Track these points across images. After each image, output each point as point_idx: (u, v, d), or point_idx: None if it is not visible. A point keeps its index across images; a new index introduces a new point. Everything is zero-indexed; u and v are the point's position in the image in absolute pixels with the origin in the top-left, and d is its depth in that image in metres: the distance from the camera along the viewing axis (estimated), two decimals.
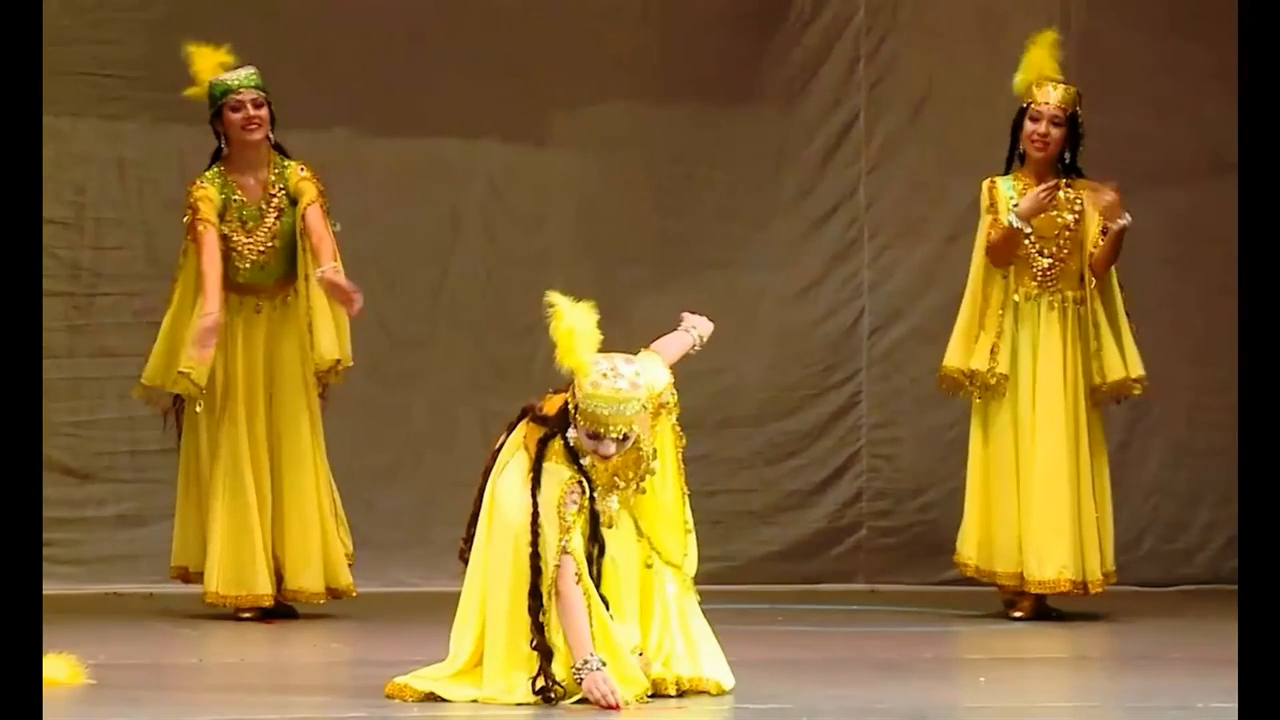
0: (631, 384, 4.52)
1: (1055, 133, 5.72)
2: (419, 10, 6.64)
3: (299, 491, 5.92)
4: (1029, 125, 5.75)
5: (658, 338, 4.94)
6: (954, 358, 5.84)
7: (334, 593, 5.97)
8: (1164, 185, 6.57)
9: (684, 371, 4.94)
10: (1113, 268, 5.79)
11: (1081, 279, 5.78)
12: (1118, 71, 6.63)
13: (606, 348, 4.60)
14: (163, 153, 6.56)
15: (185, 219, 5.83)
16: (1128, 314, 5.82)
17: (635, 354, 4.75)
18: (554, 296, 4.56)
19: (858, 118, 6.72)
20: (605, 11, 6.50)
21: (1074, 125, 5.75)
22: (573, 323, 4.54)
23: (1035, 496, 5.75)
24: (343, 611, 6.08)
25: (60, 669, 4.74)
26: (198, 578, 5.95)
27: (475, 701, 4.60)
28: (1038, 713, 4.52)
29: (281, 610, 5.93)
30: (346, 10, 6.59)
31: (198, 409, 5.86)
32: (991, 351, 5.77)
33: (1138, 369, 5.78)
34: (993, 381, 5.78)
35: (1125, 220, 5.63)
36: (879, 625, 6.09)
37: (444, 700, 4.60)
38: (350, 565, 5.99)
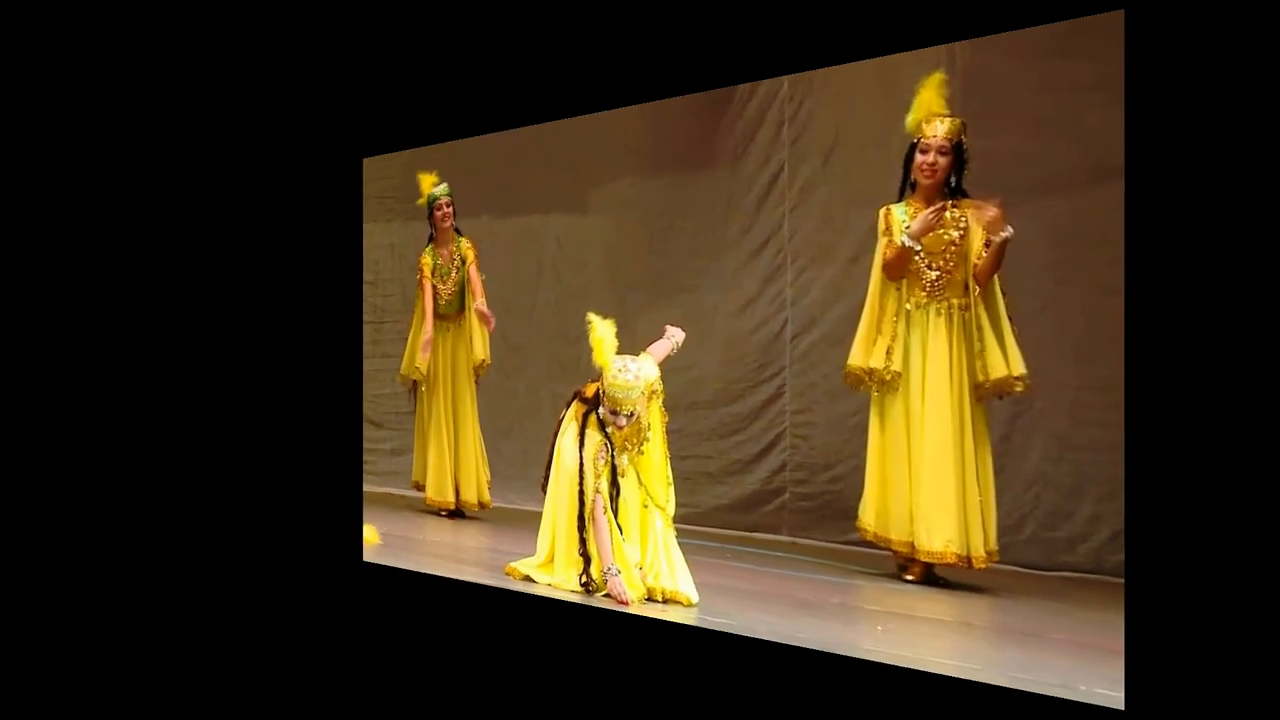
0: (637, 376, 5.05)
1: (942, 161, 5.56)
2: (520, 144, 7.06)
3: (467, 439, 7.10)
4: (919, 157, 5.58)
5: (651, 343, 5.58)
6: (856, 357, 5.77)
7: (481, 505, 7.10)
8: (1047, 195, 5.67)
9: (666, 367, 5.49)
10: (995, 275, 5.52)
11: (966, 288, 5.60)
12: (1000, 97, 5.75)
13: (621, 350, 5.30)
14: (410, 239, 7.75)
15: (417, 277, 7.32)
16: (1010, 317, 5.56)
17: (638, 355, 5.33)
18: (590, 316, 5.27)
19: (783, 168, 6.56)
20: (618, 116, 6.37)
21: (959, 152, 5.56)
22: (601, 333, 5.12)
23: (924, 479, 5.60)
24: (485, 517, 7.08)
25: (368, 533, 6.37)
26: (423, 488, 7.29)
27: (550, 585, 5.24)
28: (926, 664, 4.55)
29: (458, 512, 7.15)
30: (484, 147, 7.00)
31: (423, 389, 7.24)
32: (887, 353, 5.70)
33: (1019, 367, 5.52)
34: (888, 378, 5.71)
35: (1007, 233, 5.41)
36: (799, 571, 5.94)
37: (533, 580, 5.35)
38: (489, 487, 7.17)
